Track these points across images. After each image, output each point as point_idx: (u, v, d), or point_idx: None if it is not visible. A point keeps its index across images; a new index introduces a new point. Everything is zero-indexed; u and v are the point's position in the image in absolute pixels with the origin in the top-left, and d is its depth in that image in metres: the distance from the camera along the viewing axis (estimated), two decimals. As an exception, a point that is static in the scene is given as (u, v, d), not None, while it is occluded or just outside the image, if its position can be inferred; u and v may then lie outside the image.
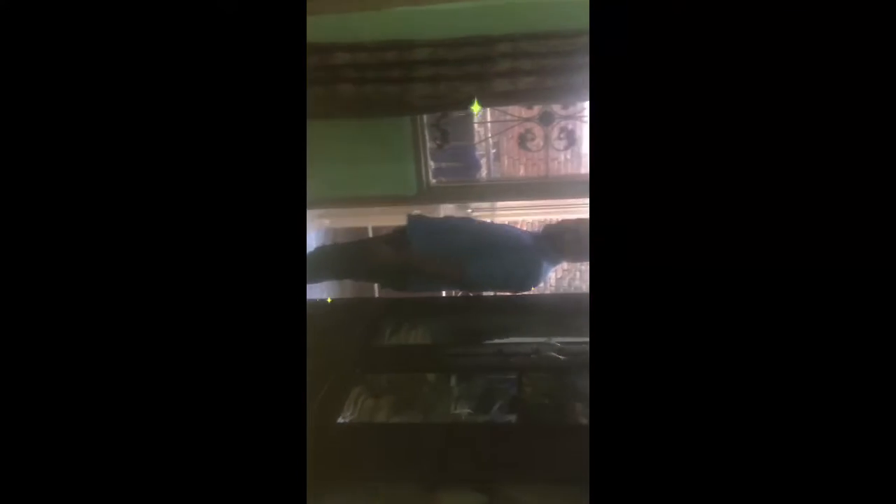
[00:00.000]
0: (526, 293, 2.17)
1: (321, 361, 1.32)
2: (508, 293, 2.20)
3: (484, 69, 2.51)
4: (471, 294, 2.40)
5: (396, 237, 2.23)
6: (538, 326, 2.14)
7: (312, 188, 1.46)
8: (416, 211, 2.40)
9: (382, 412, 1.76)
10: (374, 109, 2.65)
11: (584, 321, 1.61)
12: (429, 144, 2.98)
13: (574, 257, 2.20)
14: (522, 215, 3.90)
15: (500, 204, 3.56)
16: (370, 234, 3.50)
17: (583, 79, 2.49)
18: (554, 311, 2.27)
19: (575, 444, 1.27)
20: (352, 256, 2.28)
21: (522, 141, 3.23)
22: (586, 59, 2.43)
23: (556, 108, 3.03)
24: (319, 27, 2.41)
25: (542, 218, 3.77)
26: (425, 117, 2.92)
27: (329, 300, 2.47)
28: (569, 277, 6.30)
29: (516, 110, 3.17)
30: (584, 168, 5.80)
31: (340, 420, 1.60)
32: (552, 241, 2.12)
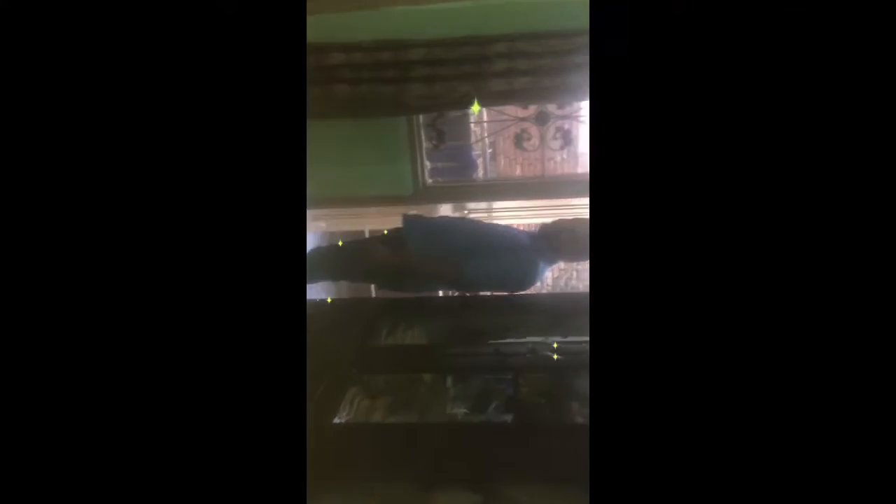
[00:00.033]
0: (522, 293, 2.17)
1: (318, 362, 1.32)
2: (505, 293, 2.20)
3: (480, 69, 2.51)
4: (467, 294, 2.40)
5: (393, 238, 2.23)
6: (535, 326, 2.14)
7: (309, 189, 1.45)
8: (413, 211, 2.39)
9: (379, 412, 1.76)
10: (370, 109, 2.64)
11: (581, 321, 1.62)
12: (425, 144, 2.98)
13: (571, 257, 2.21)
14: (519, 215, 3.90)
15: (496, 204, 3.57)
16: (366, 235, 3.49)
17: (579, 78, 2.49)
18: (551, 311, 2.27)
19: (572, 443, 1.27)
20: (348, 257, 2.27)
21: (518, 141, 3.23)
22: (583, 59, 2.43)
23: (552, 107, 3.03)
24: (315, 27, 2.40)
25: (538, 218, 3.78)
26: (421, 117, 2.92)
27: (329, 300, 2.46)
28: (565, 277, 6.30)
29: (512, 110, 3.17)
30: (581, 168, 5.82)
31: (337, 420, 1.60)
32: (549, 241, 2.12)
